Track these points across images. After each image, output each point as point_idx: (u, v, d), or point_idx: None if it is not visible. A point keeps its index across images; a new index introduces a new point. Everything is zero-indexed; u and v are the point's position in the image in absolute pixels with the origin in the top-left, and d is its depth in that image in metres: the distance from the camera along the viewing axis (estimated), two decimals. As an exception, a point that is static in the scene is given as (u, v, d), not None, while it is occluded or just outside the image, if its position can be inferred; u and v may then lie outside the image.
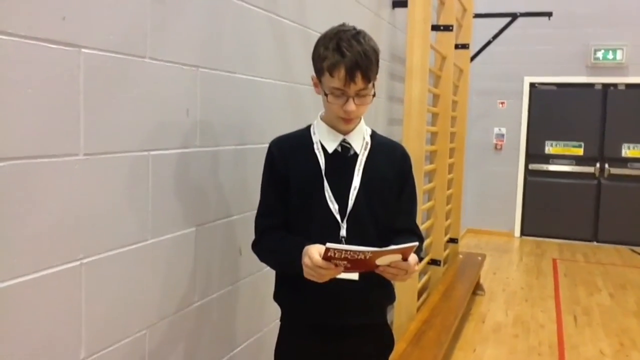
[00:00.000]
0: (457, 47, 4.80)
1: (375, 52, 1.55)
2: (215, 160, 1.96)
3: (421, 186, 3.58)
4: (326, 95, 1.56)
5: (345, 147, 1.64)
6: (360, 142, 1.66)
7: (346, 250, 1.35)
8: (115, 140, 1.51)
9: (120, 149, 1.53)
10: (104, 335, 1.53)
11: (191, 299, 1.90)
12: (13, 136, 1.23)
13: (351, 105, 1.53)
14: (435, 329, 3.51)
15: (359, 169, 1.62)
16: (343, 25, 1.59)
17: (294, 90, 2.50)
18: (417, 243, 1.43)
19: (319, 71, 1.58)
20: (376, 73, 1.56)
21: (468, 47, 5.17)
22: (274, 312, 2.42)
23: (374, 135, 1.71)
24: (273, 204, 1.65)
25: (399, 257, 1.43)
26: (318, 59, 1.56)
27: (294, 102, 2.51)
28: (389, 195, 1.67)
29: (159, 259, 1.72)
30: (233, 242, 2.11)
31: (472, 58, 5.59)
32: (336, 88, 1.53)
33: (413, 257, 1.47)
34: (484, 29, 6.28)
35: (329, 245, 1.35)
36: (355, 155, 1.64)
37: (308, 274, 1.46)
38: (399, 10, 3.98)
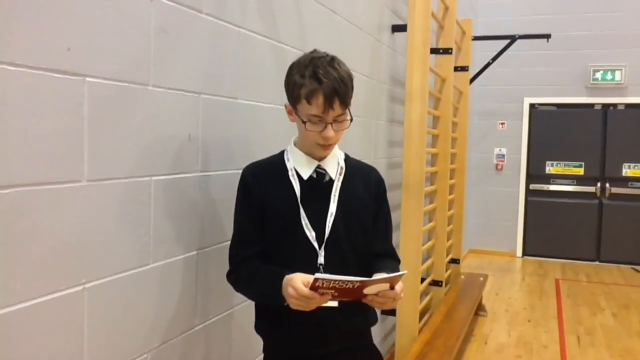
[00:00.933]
0: (456, 69, 4.87)
1: (350, 78, 1.56)
2: (216, 184, 1.99)
3: (422, 207, 3.60)
4: (304, 123, 1.56)
5: (320, 173, 1.64)
6: (335, 167, 1.66)
7: (335, 280, 1.34)
8: (118, 166, 1.54)
9: (122, 174, 1.56)
10: (106, 359, 1.54)
11: (192, 322, 1.91)
12: (18, 164, 1.26)
13: (330, 132, 1.54)
14: (438, 350, 3.50)
15: (334, 195, 1.62)
16: (315, 51, 1.60)
17: (295, 114, 2.53)
18: (405, 272, 1.45)
19: (294, 99, 1.58)
20: (351, 98, 1.57)
21: (467, 69, 5.23)
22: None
23: (347, 159, 1.72)
24: (248, 233, 1.64)
25: (386, 285, 1.43)
26: (294, 86, 1.56)
27: (294, 126, 2.53)
28: (367, 219, 1.67)
29: (160, 283, 1.74)
30: (234, 265, 2.13)
31: (472, 80, 5.65)
32: (314, 115, 1.53)
33: (399, 285, 1.47)
34: (483, 51, 6.36)
35: (317, 275, 1.35)
36: (331, 181, 1.64)
37: (294, 303, 1.44)
38: (398, 34, 4.04)
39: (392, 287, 1.44)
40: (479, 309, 5.19)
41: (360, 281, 1.37)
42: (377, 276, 1.47)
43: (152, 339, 1.72)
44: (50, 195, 1.34)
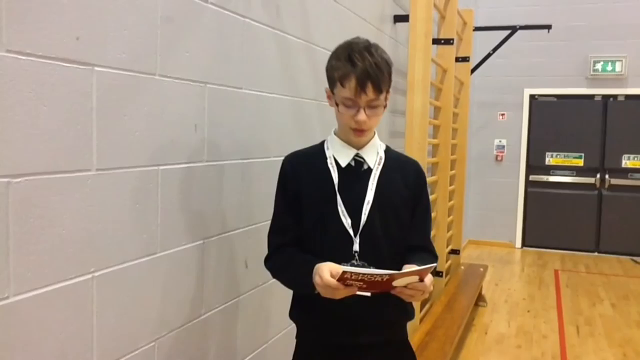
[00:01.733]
0: (457, 60, 4.86)
1: (387, 64, 1.55)
2: (222, 174, 2.00)
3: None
4: (337, 105, 1.56)
5: (358, 161, 1.63)
6: (374, 156, 1.64)
7: (363, 274, 1.34)
8: (126, 156, 1.55)
9: (130, 164, 1.57)
10: (114, 347, 1.55)
11: (198, 311, 1.92)
12: (28, 152, 1.27)
13: (362, 115, 1.52)
14: (439, 340, 3.53)
15: (372, 184, 1.60)
16: (356, 38, 1.60)
17: (299, 105, 2.54)
18: (435, 264, 1.42)
19: (331, 82, 1.58)
20: (388, 85, 1.55)
21: (468, 60, 5.22)
22: (279, 324, 2.46)
23: (388, 151, 1.69)
24: (285, 221, 1.65)
25: (415, 278, 1.41)
26: (330, 70, 1.57)
27: (298, 116, 2.55)
28: (403, 211, 1.65)
29: (167, 272, 1.75)
30: (239, 255, 2.14)
31: (473, 70, 5.65)
32: (347, 98, 1.52)
33: (429, 277, 1.45)
34: (484, 42, 6.34)
35: (345, 268, 1.35)
36: (369, 169, 1.62)
37: (321, 292, 1.45)
38: (400, 25, 4.03)
39: (421, 280, 1.43)
40: (479, 300, 5.22)
41: (389, 274, 1.36)
42: (406, 268, 1.45)
43: (160, 327, 1.73)
44: (60, 185, 1.35)
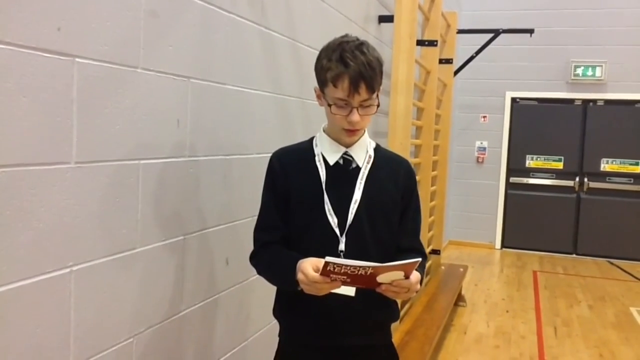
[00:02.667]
0: (441, 61, 4.89)
1: (379, 63, 1.53)
2: (203, 170, 1.98)
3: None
4: (330, 106, 1.53)
5: (347, 159, 1.61)
6: (362, 155, 1.62)
7: (346, 265, 1.32)
8: (107, 149, 1.53)
9: (111, 157, 1.55)
10: (92, 343, 1.53)
11: (178, 307, 1.91)
12: (5, 144, 1.24)
13: (355, 116, 1.50)
14: (418, 339, 3.54)
15: (360, 183, 1.58)
16: (346, 36, 1.57)
17: (282, 101, 2.53)
18: (420, 259, 1.40)
19: (322, 82, 1.55)
20: (380, 84, 1.54)
21: (452, 62, 5.26)
22: (259, 322, 2.45)
23: (377, 149, 1.67)
24: (272, 218, 1.62)
25: (401, 274, 1.39)
26: (321, 70, 1.54)
27: (281, 113, 2.54)
28: (391, 211, 1.63)
29: (147, 267, 1.73)
30: (220, 252, 2.13)
31: (456, 73, 5.69)
32: (340, 99, 1.50)
33: (415, 275, 1.43)
34: (466, 45, 6.39)
35: (328, 259, 1.32)
36: (358, 168, 1.60)
37: (305, 289, 1.43)
38: (385, 25, 4.04)
39: (407, 277, 1.41)
40: (459, 300, 5.25)
41: (373, 267, 1.34)
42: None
43: (139, 323, 1.72)
44: (38, 177, 1.33)
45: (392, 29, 3.61)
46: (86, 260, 1.49)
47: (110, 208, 1.56)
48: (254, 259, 1.67)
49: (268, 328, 2.49)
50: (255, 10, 2.24)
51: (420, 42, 4.23)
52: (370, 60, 1.49)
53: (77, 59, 1.40)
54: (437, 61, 4.56)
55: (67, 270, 1.43)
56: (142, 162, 1.67)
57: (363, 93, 1.48)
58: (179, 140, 1.84)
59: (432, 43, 4.35)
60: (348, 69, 1.47)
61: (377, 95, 1.54)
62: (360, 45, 1.51)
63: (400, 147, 3.56)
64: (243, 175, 2.23)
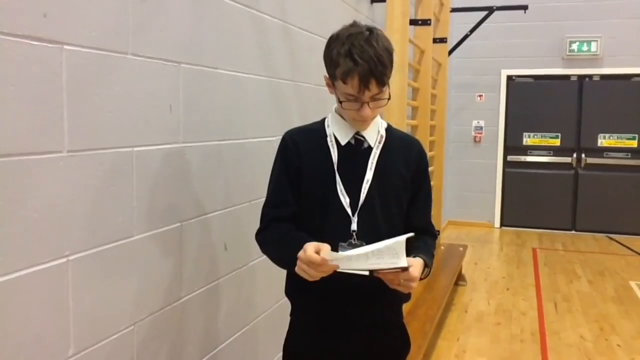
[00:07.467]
0: (435, 41, 4.84)
1: (389, 53, 1.49)
2: (198, 155, 1.97)
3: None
4: (340, 102, 1.52)
5: (358, 139, 1.60)
6: (374, 135, 1.61)
7: (342, 271, 1.38)
8: (99, 137, 1.52)
9: (103, 145, 1.53)
10: (92, 331, 1.53)
11: (178, 294, 1.91)
12: (-3, 134, 1.23)
13: (366, 111, 1.49)
14: (419, 319, 3.56)
15: (372, 163, 1.58)
16: (354, 25, 1.52)
17: (276, 85, 2.51)
18: (404, 238, 1.37)
19: (331, 76, 1.53)
20: (390, 75, 1.51)
21: (446, 41, 5.22)
22: (260, 306, 2.45)
23: (389, 129, 1.66)
24: (284, 195, 1.60)
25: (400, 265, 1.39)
26: (331, 64, 1.51)
27: (275, 97, 2.52)
28: (403, 192, 1.62)
29: (145, 255, 1.73)
30: (218, 238, 2.12)
31: (450, 52, 5.65)
32: (350, 94, 1.49)
33: (416, 268, 1.44)
34: (461, 23, 6.34)
35: (328, 256, 1.35)
36: (369, 148, 1.59)
37: (298, 267, 1.41)
38: (377, 5, 4.00)
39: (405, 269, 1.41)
40: (459, 279, 5.27)
41: (370, 271, 1.38)
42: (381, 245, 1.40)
43: (139, 311, 1.71)
44: (30, 167, 1.32)
45: (385, 9, 3.57)
46: (83, 249, 1.48)
47: (105, 196, 1.55)
48: (261, 234, 1.63)
49: (269, 312, 2.49)
50: (246, -7, 2.21)
51: (413, 22, 4.19)
52: (379, 54, 1.45)
53: (65, 46, 1.38)
54: (431, 40, 4.52)
55: (64, 260, 1.42)
56: (136, 149, 1.66)
57: (373, 89, 1.47)
58: (173, 126, 1.82)
59: (425, 22, 4.31)
60: (357, 66, 1.44)
61: (388, 85, 1.52)
62: (369, 38, 1.47)
63: (396, 127, 3.54)
64: (238, 160, 2.21)
